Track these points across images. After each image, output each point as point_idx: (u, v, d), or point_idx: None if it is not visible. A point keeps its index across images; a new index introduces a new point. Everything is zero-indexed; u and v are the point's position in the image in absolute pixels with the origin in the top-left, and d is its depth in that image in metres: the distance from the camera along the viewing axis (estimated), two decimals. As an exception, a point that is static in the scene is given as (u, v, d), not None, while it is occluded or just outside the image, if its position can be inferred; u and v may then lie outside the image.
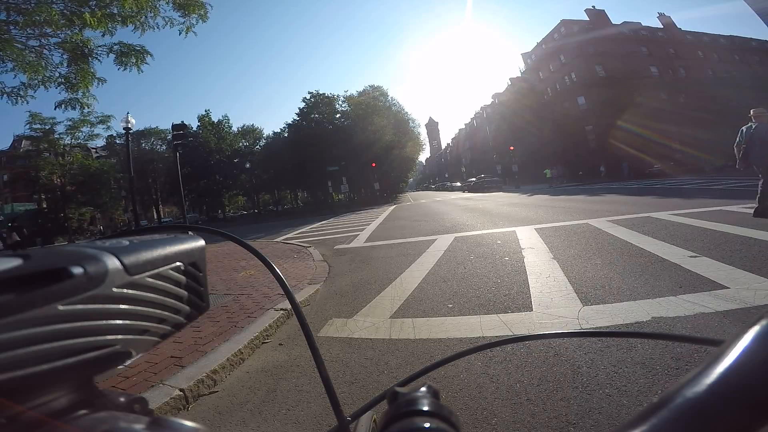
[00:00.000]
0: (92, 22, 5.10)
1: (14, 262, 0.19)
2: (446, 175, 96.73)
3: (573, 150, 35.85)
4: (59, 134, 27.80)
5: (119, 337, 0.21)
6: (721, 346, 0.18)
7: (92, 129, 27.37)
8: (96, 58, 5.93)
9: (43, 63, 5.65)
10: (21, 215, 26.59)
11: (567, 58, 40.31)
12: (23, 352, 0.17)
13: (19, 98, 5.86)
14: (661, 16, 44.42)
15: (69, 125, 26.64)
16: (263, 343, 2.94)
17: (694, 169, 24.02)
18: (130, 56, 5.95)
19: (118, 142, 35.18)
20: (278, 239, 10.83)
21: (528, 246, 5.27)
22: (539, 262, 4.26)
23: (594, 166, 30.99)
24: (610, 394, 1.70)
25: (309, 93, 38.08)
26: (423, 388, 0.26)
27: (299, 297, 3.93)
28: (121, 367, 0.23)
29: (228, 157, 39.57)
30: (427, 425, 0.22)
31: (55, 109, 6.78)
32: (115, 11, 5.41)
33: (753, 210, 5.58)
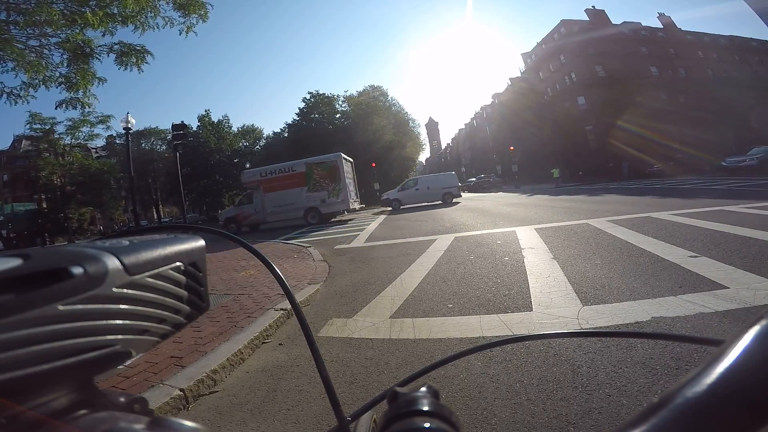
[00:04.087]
0: (94, 21, 5.09)
1: (14, 262, 0.19)
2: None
3: (573, 150, 35.86)
4: (59, 134, 27.76)
5: (119, 337, 0.21)
6: (721, 346, 0.18)
7: (92, 129, 27.26)
8: (96, 57, 5.93)
9: (43, 63, 5.65)
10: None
11: (567, 58, 40.29)
12: (23, 352, 0.17)
13: (19, 98, 5.86)
14: (661, 16, 44.41)
15: (69, 125, 26.58)
16: (263, 343, 2.94)
17: (694, 169, 24.00)
18: (130, 56, 5.94)
19: (118, 142, 35.11)
20: (278, 239, 10.83)
21: (528, 246, 5.27)
22: (539, 262, 4.26)
23: (594, 165, 30.94)
24: (610, 393, 1.70)
25: (309, 93, 38.06)
26: (423, 388, 0.26)
27: (299, 297, 3.93)
28: (121, 367, 0.23)
29: (228, 157, 39.52)
30: (427, 425, 0.22)
31: (55, 108, 6.78)
32: (116, 11, 5.41)
33: None
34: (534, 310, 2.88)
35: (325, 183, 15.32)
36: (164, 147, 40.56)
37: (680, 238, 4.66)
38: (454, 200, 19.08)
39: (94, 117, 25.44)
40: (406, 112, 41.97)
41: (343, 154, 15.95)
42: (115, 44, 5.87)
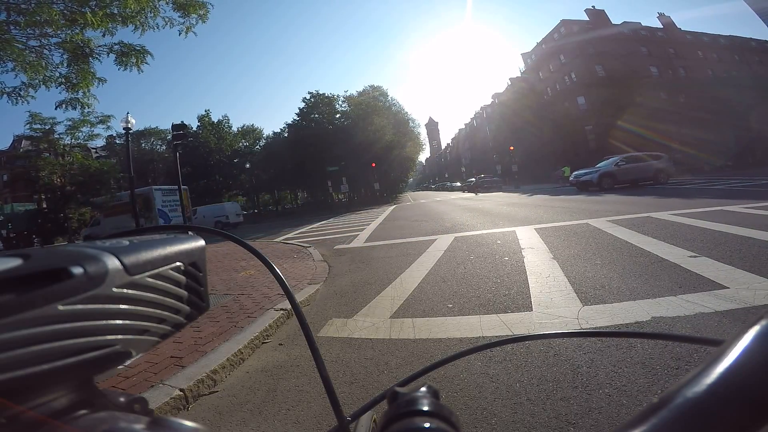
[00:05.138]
0: (94, 22, 5.09)
1: (14, 262, 0.19)
2: (446, 175, 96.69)
3: (573, 150, 35.84)
4: (59, 134, 27.73)
5: (119, 337, 0.21)
6: (721, 346, 0.18)
7: (92, 129, 27.14)
8: (96, 58, 5.93)
9: (43, 63, 5.65)
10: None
11: (567, 58, 40.31)
12: (23, 352, 0.17)
13: (19, 98, 5.86)
14: (660, 16, 44.45)
15: (69, 125, 26.56)
16: (263, 343, 2.94)
17: (693, 169, 24.00)
18: (130, 56, 5.94)
19: (118, 142, 35.08)
20: (278, 239, 10.83)
21: (528, 246, 5.27)
22: (539, 262, 4.26)
23: (594, 165, 30.87)
24: (610, 393, 1.70)
25: (309, 93, 38.09)
26: (423, 388, 0.26)
27: (299, 297, 3.93)
28: (121, 367, 0.23)
29: (228, 157, 39.54)
30: (427, 425, 0.22)
31: (55, 109, 6.79)
32: (116, 11, 5.41)
33: None
34: (534, 310, 2.88)
35: (142, 212, 18.43)
36: (164, 147, 40.59)
37: (680, 238, 4.66)
38: (224, 227, 21.36)
39: (94, 117, 25.34)
40: (406, 112, 42.11)
41: (156, 187, 19.82)
42: (115, 44, 5.87)
